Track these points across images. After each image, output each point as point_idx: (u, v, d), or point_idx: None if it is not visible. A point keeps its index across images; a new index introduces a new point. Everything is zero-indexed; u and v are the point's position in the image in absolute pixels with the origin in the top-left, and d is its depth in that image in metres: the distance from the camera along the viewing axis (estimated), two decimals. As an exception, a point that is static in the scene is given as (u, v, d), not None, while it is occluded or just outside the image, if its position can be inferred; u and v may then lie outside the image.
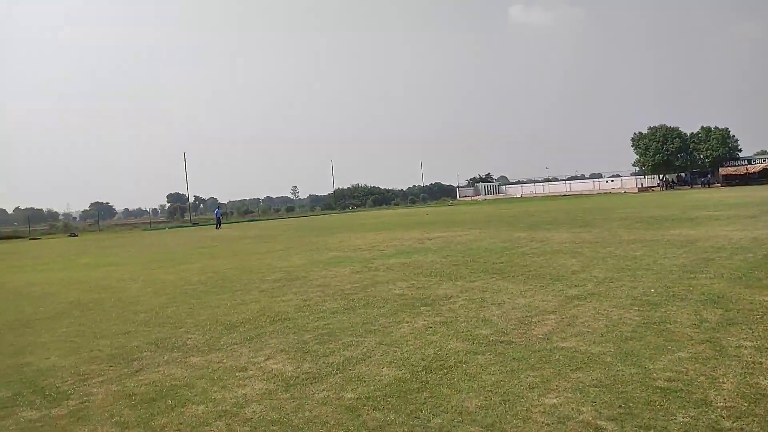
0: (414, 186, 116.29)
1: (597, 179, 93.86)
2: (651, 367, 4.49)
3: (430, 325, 6.40)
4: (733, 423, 3.40)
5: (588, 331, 5.68)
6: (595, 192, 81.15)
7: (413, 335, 6.02)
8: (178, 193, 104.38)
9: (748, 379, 4.09)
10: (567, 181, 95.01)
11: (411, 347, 5.57)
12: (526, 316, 6.51)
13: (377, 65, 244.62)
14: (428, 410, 3.95)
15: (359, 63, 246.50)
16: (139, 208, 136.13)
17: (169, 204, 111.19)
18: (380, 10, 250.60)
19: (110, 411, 4.39)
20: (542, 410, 3.80)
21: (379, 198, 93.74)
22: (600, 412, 3.69)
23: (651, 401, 3.81)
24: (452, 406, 3.98)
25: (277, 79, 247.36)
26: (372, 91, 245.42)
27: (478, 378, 4.53)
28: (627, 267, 9.65)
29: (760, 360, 4.47)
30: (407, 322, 6.63)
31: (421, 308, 7.37)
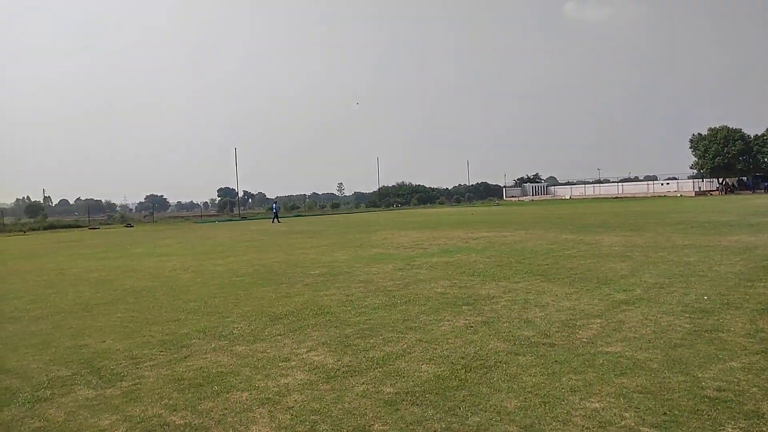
0: (460, 185, 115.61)
1: (651, 182, 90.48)
2: (700, 375, 4.33)
3: (472, 325, 6.37)
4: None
5: (635, 337, 5.53)
6: (648, 195, 78.26)
7: (454, 333, 6.02)
8: (228, 188, 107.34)
9: (806, 393, 3.90)
10: (619, 183, 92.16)
11: (451, 345, 5.57)
12: (570, 319, 6.39)
13: (424, 62, 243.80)
14: (466, 408, 3.95)
15: (405, 60, 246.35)
16: (191, 201, 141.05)
17: (220, 198, 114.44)
18: (423, 6, 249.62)
19: (160, 393, 4.61)
20: (583, 414, 3.74)
21: (424, 196, 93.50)
22: (643, 419, 3.60)
23: (698, 410, 3.68)
24: (491, 405, 3.97)
25: (325, 77, 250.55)
26: (419, 89, 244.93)
27: (518, 379, 4.49)
28: (679, 273, 9.31)
29: (820, 374, 4.24)
30: (448, 321, 6.63)
31: (463, 307, 7.35)
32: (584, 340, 5.52)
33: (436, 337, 5.90)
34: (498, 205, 71.89)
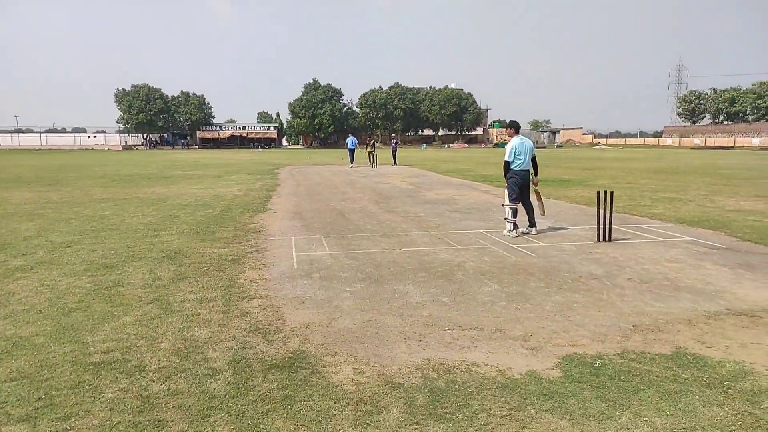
0: None
1: (80, 134, 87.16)
2: (90, 340, 4.01)
3: None
4: (161, 385, 3.28)
5: (24, 310, 4.72)
6: (76, 147, 75.29)
7: None
8: None
9: (185, 333, 4.14)
10: (44, 134, 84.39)
11: None
12: (-62, 303, 4.92)
13: None
14: None
15: None
16: None
17: None
18: None
19: None
20: None
21: None
22: (10, 416, 2.94)
23: (80, 382, 3.32)
24: None
25: None
26: None
27: None
28: (92, 228, 8.91)
29: (199, 311, 4.65)
30: None
31: None
32: (-49, 327, 4.29)
33: None
34: None
